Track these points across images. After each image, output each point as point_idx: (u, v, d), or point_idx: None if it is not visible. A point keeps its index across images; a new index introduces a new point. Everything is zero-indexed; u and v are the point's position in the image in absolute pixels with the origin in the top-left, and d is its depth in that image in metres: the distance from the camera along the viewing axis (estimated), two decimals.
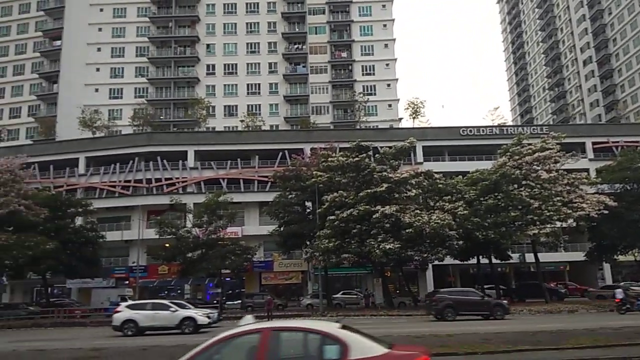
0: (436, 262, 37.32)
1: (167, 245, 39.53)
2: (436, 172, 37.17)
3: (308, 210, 40.01)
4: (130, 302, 26.00)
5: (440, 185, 35.88)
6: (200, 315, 23.23)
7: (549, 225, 33.20)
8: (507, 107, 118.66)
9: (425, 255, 33.96)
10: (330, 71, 64.52)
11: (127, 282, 46.53)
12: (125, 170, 50.52)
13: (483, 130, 52.83)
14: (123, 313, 22.68)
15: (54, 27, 65.18)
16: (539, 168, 35.64)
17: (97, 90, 62.54)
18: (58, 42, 64.69)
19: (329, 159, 36.65)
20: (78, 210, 41.13)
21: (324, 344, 5.76)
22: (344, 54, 65.11)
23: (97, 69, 63.26)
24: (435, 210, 33.73)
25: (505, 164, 35.89)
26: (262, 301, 37.97)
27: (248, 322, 6.31)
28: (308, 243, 38.14)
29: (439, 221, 31.63)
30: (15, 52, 67.23)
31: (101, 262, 43.18)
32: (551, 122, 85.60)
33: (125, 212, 49.92)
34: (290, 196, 39.63)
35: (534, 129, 53.62)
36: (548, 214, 32.84)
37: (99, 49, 63.73)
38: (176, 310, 22.87)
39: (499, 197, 34.08)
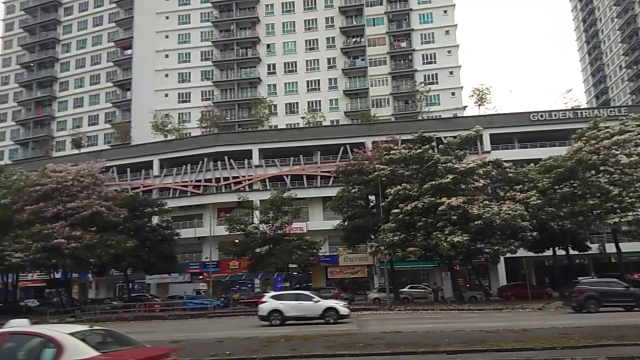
0: (508, 255, 35.87)
1: (237, 241, 40.96)
2: (505, 161, 35.81)
3: (372, 204, 39.87)
4: (273, 293, 27.26)
5: (511, 175, 34.48)
6: (341, 305, 24.03)
7: (630, 213, 30.92)
8: (580, 89, 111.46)
9: (497, 247, 32.73)
10: (389, 62, 63.68)
11: (201, 277, 48.71)
12: (195, 170, 52.82)
13: (555, 115, 50.03)
14: (269, 303, 23.82)
15: (124, 37, 69.21)
16: (618, 152, 33.24)
17: (166, 95, 65.73)
18: (129, 51, 68.62)
19: (391, 151, 36.26)
20: (154, 209, 43.53)
21: (44, 346, 6.56)
22: (404, 44, 63.99)
23: (166, 75, 66.45)
24: (506, 201, 32.42)
25: (580, 150, 33.78)
26: (329, 295, 38.38)
27: (11, 326, 7.27)
28: (373, 237, 37.99)
29: (510, 212, 30.41)
30: (91, 63, 72.12)
31: (177, 258, 45.49)
32: (630, 103, 79.29)
33: (197, 210, 52.27)
34: (353, 190, 39.66)
35: (611, 110, 50.05)
36: (630, 200, 30.63)
37: (167, 56, 66.88)
38: (318, 301, 23.75)
39: (575, 184, 32.24)
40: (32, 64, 74.18)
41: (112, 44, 70.30)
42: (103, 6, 72.97)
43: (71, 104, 71.76)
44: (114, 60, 69.34)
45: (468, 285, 43.78)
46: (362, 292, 44.87)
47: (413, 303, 35.87)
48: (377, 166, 36.27)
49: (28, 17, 76.74)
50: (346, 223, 39.50)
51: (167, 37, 67.30)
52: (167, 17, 67.87)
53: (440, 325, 19.18)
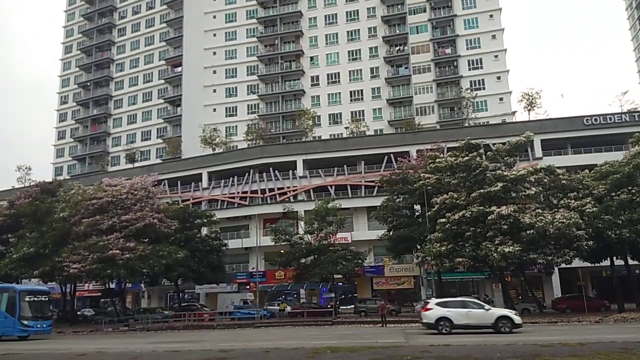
0: (563, 265, 34.27)
1: (282, 251, 41.31)
2: (558, 167, 34.50)
3: (417, 214, 39.27)
4: (438, 299, 25.58)
5: (564, 181, 33.08)
6: (514, 314, 22.89)
7: None
8: (637, 91, 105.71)
9: (550, 258, 31.34)
10: (434, 69, 62.90)
11: (248, 286, 49.42)
12: (242, 182, 53.93)
13: (610, 118, 47.63)
14: (435, 311, 22.75)
15: (174, 55, 72.00)
16: None
17: (214, 110, 67.70)
18: (179, 69, 71.30)
19: (437, 160, 35.64)
20: (203, 221, 44.67)
21: None
22: (448, 50, 63.09)
23: (214, 90, 68.50)
24: (560, 209, 31.09)
25: (639, 154, 31.97)
26: (375, 306, 37.96)
27: None
28: (419, 247, 37.35)
29: (564, 220, 29.12)
30: (143, 81, 75.42)
31: (225, 268, 46.38)
32: None
33: (244, 221, 53.26)
34: (398, 200, 39.22)
35: None
36: None
37: (214, 72, 69.01)
38: (489, 309, 22.81)
39: (634, 191, 30.49)
40: (88, 84, 78.44)
41: (163, 62, 73.30)
42: (154, 26, 76.33)
43: (125, 121, 75.22)
44: (165, 77, 72.21)
45: (520, 298, 42.15)
46: (409, 304, 44.06)
47: None
48: (422, 175, 35.76)
49: (85, 40, 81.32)
50: (391, 233, 39.05)
51: (214, 53, 69.46)
52: (215, 35, 70.11)
53: (491, 339, 18.52)
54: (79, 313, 47.20)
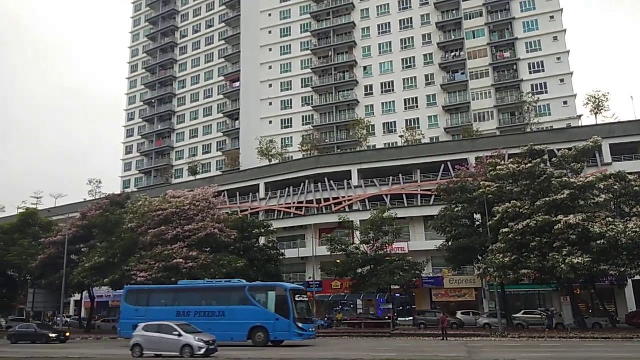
0: (637, 277, 32.02)
1: (338, 261, 41.32)
2: (629, 173, 32.40)
3: (477, 223, 38.10)
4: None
5: (637, 188, 31.00)
6: None
7: None
8: None
9: (623, 269, 29.46)
10: (492, 74, 61.09)
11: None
12: (298, 192, 54.62)
13: None
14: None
15: (233, 71, 74.50)
16: None
17: (270, 122, 69.25)
18: (237, 84, 73.66)
19: (498, 167, 34.56)
20: (261, 231, 45.57)
21: None
22: (507, 54, 61.09)
23: (270, 103, 70.13)
24: (632, 217, 29.21)
25: None
26: (434, 319, 37.10)
27: None
28: (480, 258, 36.16)
29: (637, 229, 27.27)
30: (204, 97, 78.50)
31: (282, 278, 46.92)
32: None
33: (300, 231, 53.82)
34: (456, 209, 38.23)
35: None
36: None
37: (270, 85, 70.70)
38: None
39: None
40: (153, 101, 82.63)
41: (222, 78, 76.01)
42: (213, 44, 79.43)
43: (187, 135, 78.48)
44: (224, 92, 74.79)
45: (591, 312, 39.68)
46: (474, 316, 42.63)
47: (528, 330, 33.33)
48: (482, 183, 34.73)
49: (149, 59, 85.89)
50: (450, 243, 38.08)
51: (270, 67, 71.19)
52: (270, 49, 71.91)
53: (560, 355, 17.61)
54: None
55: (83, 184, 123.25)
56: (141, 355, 20.98)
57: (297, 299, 25.80)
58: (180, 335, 20.29)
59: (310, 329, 25.81)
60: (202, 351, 19.64)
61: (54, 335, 32.72)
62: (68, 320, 53.96)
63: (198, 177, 66.91)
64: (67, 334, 34.28)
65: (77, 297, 56.33)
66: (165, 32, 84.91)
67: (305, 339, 25.23)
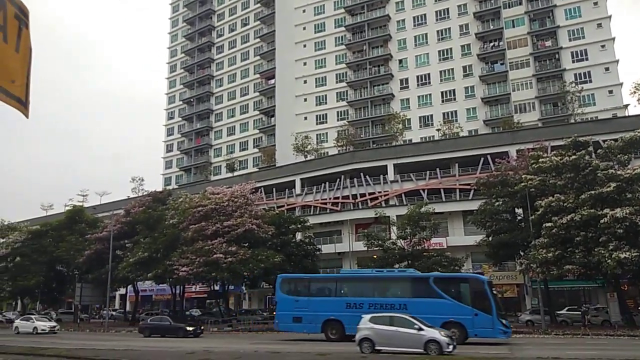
0: None
1: (375, 256, 41.18)
2: None
3: (519, 218, 37.11)
4: None
5: None
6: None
7: None
8: None
9: None
10: (533, 64, 59.15)
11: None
12: (333, 188, 54.72)
13: None
14: None
15: (268, 69, 75.18)
16: None
17: (305, 118, 69.53)
18: (272, 81, 74.30)
19: (540, 160, 33.52)
20: (297, 226, 45.98)
21: None
22: (548, 43, 58.99)
23: (305, 100, 70.40)
24: None
25: None
26: None
27: None
28: (522, 253, 35.25)
29: None
30: (240, 95, 79.62)
31: (319, 273, 47.22)
32: None
33: (336, 227, 53.93)
34: (497, 203, 37.36)
35: None
36: None
37: (305, 81, 70.94)
38: None
39: None
40: (191, 100, 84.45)
41: (258, 75, 76.84)
42: (249, 42, 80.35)
43: (225, 133, 79.84)
44: (260, 90, 75.61)
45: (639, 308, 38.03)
46: (513, 314, 41.70)
47: (572, 327, 32.29)
48: (523, 176, 33.80)
49: (187, 59, 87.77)
50: (490, 238, 37.27)
51: (305, 64, 71.39)
52: (305, 45, 72.08)
53: (607, 353, 17.00)
54: (187, 313, 50.69)
55: (127, 182, 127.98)
56: (373, 351, 18.18)
57: (494, 292, 23.78)
58: (420, 329, 17.82)
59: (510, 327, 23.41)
60: (451, 348, 17.20)
61: (190, 328, 31.77)
62: (114, 313, 56.16)
63: (235, 173, 68.01)
64: (202, 327, 33.95)
65: (122, 291, 58.52)
66: (202, 31, 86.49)
67: (508, 337, 22.93)
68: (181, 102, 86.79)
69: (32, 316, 40.61)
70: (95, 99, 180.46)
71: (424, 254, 38.65)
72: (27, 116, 2.60)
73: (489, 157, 46.14)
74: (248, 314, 45.27)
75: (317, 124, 68.87)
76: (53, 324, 38.30)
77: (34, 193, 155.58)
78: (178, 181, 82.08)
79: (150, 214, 45.13)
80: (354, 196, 53.33)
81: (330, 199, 54.83)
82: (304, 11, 73.30)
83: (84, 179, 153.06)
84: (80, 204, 62.00)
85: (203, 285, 50.02)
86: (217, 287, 47.56)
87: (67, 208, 59.48)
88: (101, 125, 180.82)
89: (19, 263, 51.44)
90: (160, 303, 64.24)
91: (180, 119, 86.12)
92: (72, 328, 42.92)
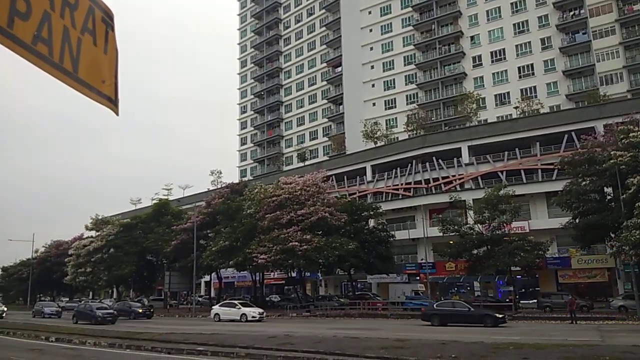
0: None
1: (451, 242, 40.20)
2: None
3: (608, 198, 34.50)
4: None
5: None
6: None
7: None
8: None
9: None
10: (619, 31, 54.17)
11: (417, 277, 49.30)
12: (405, 173, 53.92)
13: None
14: None
15: (334, 57, 75.15)
16: None
17: (374, 104, 68.85)
18: (339, 69, 74.20)
19: (631, 134, 30.89)
20: (370, 213, 45.94)
21: None
22: (637, 6, 53.70)
23: (373, 85, 69.64)
24: None
25: None
26: (561, 301, 34.63)
27: None
28: (612, 235, 32.75)
29: None
30: (308, 85, 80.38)
31: (393, 259, 47.00)
32: None
33: (409, 213, 53.20)
34: (583, 183, 34.91)
35: None
36: None
37: (372, 67, 70.11)
38: None
39: None
40: (262, 93, 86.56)
41: (325, 64, 77.09)
42: (315, 31, 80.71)
43: (295, 123, 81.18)
44: (327, 79, 75.87)
45: None
46: (603, 299, 39.07)
47: None
48: (613, 153, 31.31)
49: (257, 53, 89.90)
50: (577, 220, 34.97)
51: (371, 49, 70.50)
52: (371, 30, 71.12)
53: None
54: (267, 299, 52.59)
55: (206, 175, 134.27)
56: None
57: None
58: None
59: None
60: None
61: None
62: (200, 299, 59.51)
63: (307, 163, 68.99)
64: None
65: (207, 278, 61.83)
66: (270, 25, 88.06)
67: None
68: (252, 96, 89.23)
69: (236, 301, 37.50)
70: (173, 98, 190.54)
71: (505, 238, 37.12)
72: (117, 114, 2.80)
73: (573, 133, 43.24)
74: (324, 299, 46.09)
75: (385, 109, 67.95)
76: (261, 310, 34.69)
77: (124, 188, 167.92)
78: (253, 172, 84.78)
79: (229, 205, 47.12)
80: (427, 181, 52.23)
81: (402, 184, 54.11)
82: None
83: (168, 173, 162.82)
84: (166, 197, 66.09)
85: (281, 272, 51.50)
86: (294, 274, 48.82)
87: (154, 202, 63.68)
88: (181, 122, 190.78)
89: (113, 254, 55.87)
90: (241, 289, 67.10)
91: (252, 112, 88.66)
92: (163, 314, 45.99)
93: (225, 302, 38.81)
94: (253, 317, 33.05)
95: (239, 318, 33.31)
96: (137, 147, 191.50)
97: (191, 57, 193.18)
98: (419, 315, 31.36)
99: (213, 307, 37.73)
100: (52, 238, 79.01)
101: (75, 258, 59.04)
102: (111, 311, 35.22)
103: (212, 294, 61.11)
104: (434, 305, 29.56)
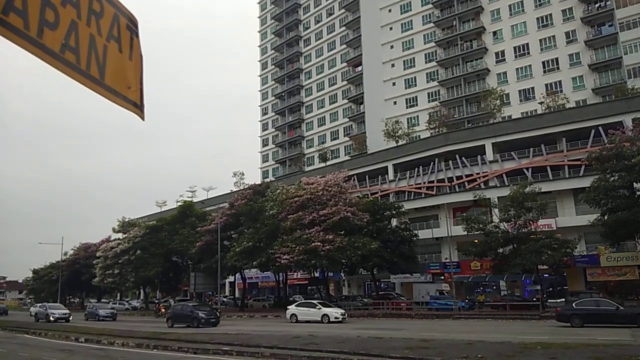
0: None
1: (476, 241, 39.66)
2: None
3: (638, 193, 33.51)
4: None
5: None
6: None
7: None
8: None
9: None
10: None
11: (442, 277, 48.77)
12: (427, 172, 53.42)
13: None
14: None
15: (354, 56, 74.97)
16: None
17: (395, 102, 68.41)
18: (359, 68, 73.99)
19: None
20: (392, 212, 45.68)
21: None
22: None
23: (393, 84, 69.21)
24: None
25: None
26: (590, 300, 33.74)
27: None
28: None
29: None
30: (329, 85, 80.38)
31: (417, 259, 46.60)
32: None
33: (432, 211, 52.69)
34: (612, 179, 33.98)
35: None
36: None
37: (392, 65, 69.67)
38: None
39: None
40: (283, 94, 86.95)
41: (345, 64, 76.98)
42: (334, 31, 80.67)
43: (316, 124, 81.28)
44: (347, 78, 75.73)
45: None
46: (634, 297, 38.00)
47: None
48: None
49: (277, 55, 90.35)
50: (606, 217, 34.09)
51: (391, 47, 70.07)
52: (391, 28, 70.69)
53: None
54: (290, 299, 52.78)
55: (229, 177, 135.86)
56: None
57: None
58: None
59: None
60: None
61: None
62: (225, 299, 60.14)
63: (328, 163, 68.98)
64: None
65: (231, 278, 62.41)
66: (290, 26, 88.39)
67: None
68: (273, 98, 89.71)
69: (315, 301, 35.72)
70: (195, 101, 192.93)
71: (531, 236, 36.45)
72: (142, 119, 2.86)
73: (600, 128, 42.18)
74: (348, 299, 46.01)
75: (407, 107, 67.44)
76: (342, 310, 32.61)
77: (149, 191, 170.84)
78: (275, 173, 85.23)
79: (252, 206, 47.46)
80: (450, 179, 51.64)
81: (424, 183, 53.63)
82: None
83: (193, 176, 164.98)
84: (190, 199, 66.99)
85: (304, 272, 51.64)
86: (317, 274, 48.87)
87: (179, 204, 64.59)
88: (202, 126, 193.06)
89: (139, 256, 56.89)
90: (265, 290, 67.55)
91: (273, 113, 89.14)
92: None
93: (303, 302, 36.65)
94: (336, 318, 30.74)
95: (319, 319, 31.02)
96: (159, 152, 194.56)
97: (213, 61, 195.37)
98: (445, 316, 30.81)
99: (289, 307, 35.13)
100: (80, 240, 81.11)
101: (103, 260, 60.34)
102: (211, 310, 32.06)
103: (237, 294, 61.67)
104: (573, 304, 26.14)
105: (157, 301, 58.90)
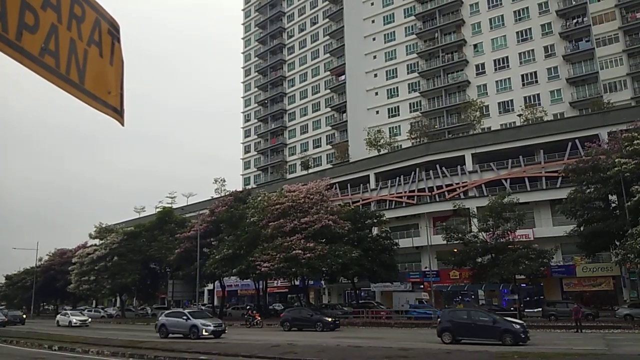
0: None
1: (456, 250, 40.03)
2: None
3: (613, 205, 34.35)
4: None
5: None
6: None
7: None
8: None
9: None
10: (622, 39, 54.23)
11: (421, 286, 49.04)
12: (408, 181, 53.87)
13: None
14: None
15: (337, 65, 75.45)
16: None
17: (377, 112, 68.95)
18: (342, 77, 74.46)
19: (635, 141, 30.80)
20: (373, 221, 45.87)
21: None
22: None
23: (376, 93, 69.79)
24: None
25: None
26: (566, 309, 34.37)
27: None
28: (617, 243, 32.58)
29: None
30: (312, 93, 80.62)
31: (397, 267, 46.81)
32: None
33: (413, 220, 53.04)
34: (588, 190, 34.79)
35: None
36: None
37: (375, 75, 70.31)
38: None
39: None
40: (266, 101, 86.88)
41: (328, 73, 77.39)
42: (318, 40, 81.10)
43: (298, 131, 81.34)
44: (330, 87, 76.12)
45: None
46: (608, 307, 38.75)
47: None
48: (617, 160, 31.21)
49: (260, 62, 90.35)
50: (582, 228, 34.86)
51: (374, 57, 70.75)
52: (374, 39, 71.40)
53: None
54: (270, 307, 52.39)
55: (210, 183, 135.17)
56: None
57: None
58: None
59: None
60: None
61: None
62: (203, 307, 59.34)
63: (310, 171, 68.99)
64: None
65: (210, 286, 61.70)
66: (274, 34, 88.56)
67: None
68: (256, 105, 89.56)
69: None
70: (176, 107, 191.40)
71: (509, 246, 36.95)
72: (122, 124, 2.83)
73: (577, 141, 43.16)
74: (328, 308, 45.86)
75: (389, 117, 68.02)
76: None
77: (126, 197, 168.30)
78: (256, 180, 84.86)
79: (233, 213, 47.12)
80: (430, 189, 52.15)
81: (405, 192, 54.04)
82: (372, 4, 72.58)
83: (171, 182, 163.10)
84: (169, 205, 66.10)
85: (284, 280, 51.37)
86: (297, 282, 48.64)
87: (158, 210, 63.69)
88: (184, 132, 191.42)
89: (116, 262, 55.81)
90: (245, 298, 66.94)
91: (256, 120, 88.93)
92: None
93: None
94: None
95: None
96: (140, 157, 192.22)
97: (195, 66, 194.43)
98: (424, 324, 30.99)
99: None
100: (56, 246, 79.29)
101: (79, 266, 59.07)
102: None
103: (216, 302, 60.97)
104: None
105: (248, 307, 48.75)
